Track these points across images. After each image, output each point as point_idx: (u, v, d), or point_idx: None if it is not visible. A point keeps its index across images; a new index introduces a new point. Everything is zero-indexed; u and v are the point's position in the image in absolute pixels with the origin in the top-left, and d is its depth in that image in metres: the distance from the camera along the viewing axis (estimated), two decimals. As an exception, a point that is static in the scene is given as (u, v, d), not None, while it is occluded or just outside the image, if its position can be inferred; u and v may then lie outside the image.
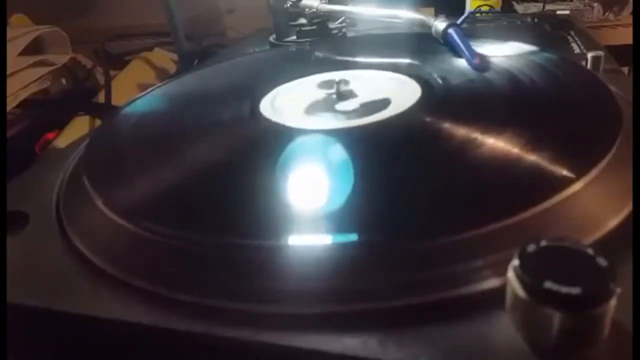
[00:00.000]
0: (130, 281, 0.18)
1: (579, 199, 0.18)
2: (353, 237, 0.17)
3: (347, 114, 0.28)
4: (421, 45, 0.38)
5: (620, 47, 0.55)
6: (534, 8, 0.70)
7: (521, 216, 0.17)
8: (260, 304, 0.16)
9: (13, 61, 0.53)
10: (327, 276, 0.16)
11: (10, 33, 0.55)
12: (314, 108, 0.29)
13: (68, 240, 0.21)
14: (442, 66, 0.32)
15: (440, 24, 0.36)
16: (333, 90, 0.30)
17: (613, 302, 0.13)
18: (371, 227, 0.18)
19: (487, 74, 0.30)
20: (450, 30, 0.35)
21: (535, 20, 0.51)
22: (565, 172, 0.19)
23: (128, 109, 0.33)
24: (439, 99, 0.28)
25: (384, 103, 0.28)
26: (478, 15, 0.58)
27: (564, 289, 0.12)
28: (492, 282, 0.15)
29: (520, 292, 0.13)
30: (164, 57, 0.70)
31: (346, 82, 0.31)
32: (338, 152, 0.23)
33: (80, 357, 0.19)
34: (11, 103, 0.50)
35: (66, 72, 0.62)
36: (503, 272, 0.14)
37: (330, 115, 0.28)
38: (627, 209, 0.18)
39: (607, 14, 0.70)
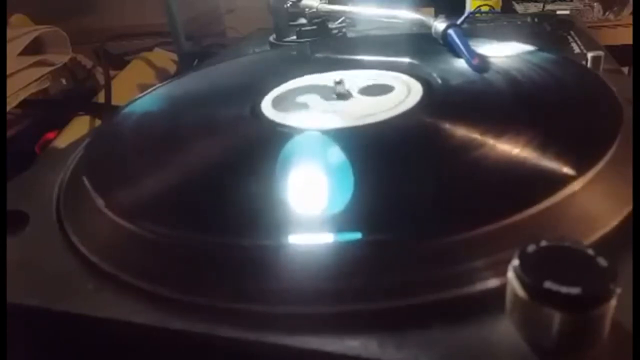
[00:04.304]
0: (130, 281, 0.18)
1: (579, 199, 0.18)
2: (353, 237, 0.17)
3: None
4: (421, 45, 0.38)
5: (620, 47, 0.55)
6: (534, 8, 0.70)
7: (521, 216, 0.17)
8: (261, 304, 0.16)
9: (13, 61, 0.53)
10: (327, 276, 0.16)
11: (10, 33, 0.55)
12: (303, 106, 0.29)
13: (68, 240, 0.21)
14: (442, 67, 0.32)
15: (440, 24, 0.36)
16: (333, 89, 0.30)
17: (613, 302, 0.13)
18: (372, 227, 0.18)
19: (487, 74, 0.30)
20: (450, 31, 0.35)
21: (535, 20, 0.51)
22: (565, 172, 0.19)
23: (128, 109, 0.33)
24: (440, 100, 0.28)
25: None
26: (478, 15, 0.58)
27: (564, 289, 0.12)
28: (492, 282, 0.15)
29: (520, 292, 0.13)
30: (164, 57, 0.70)
31: (345, 82, 0.31)
32: (339, 152, 0.23)
33: (80, 357, 0.19)
34: (11, 103, 0.50)
35: (66, 72, 0.62)
36: (503, 272, 0.14)
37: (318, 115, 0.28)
38: (627, 208, 0.18)
39: (607, 14, 0.70)
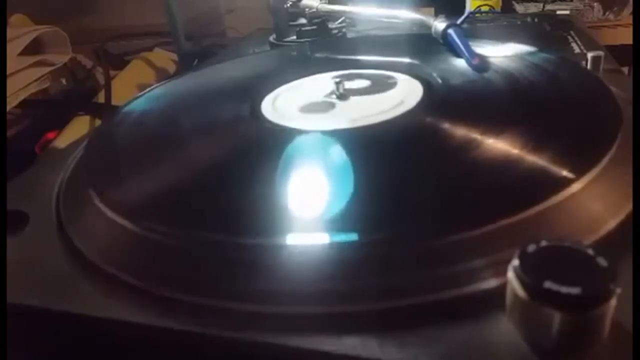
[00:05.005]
0: (130, 281, 0.18)
1: (579, 199, 0.18)
2: (353, 237, 0.17)
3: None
4: (421, 45, 0.38)
5: (620, 47, 0.55)
6: (534, 8, 0.70)
7: (521, 216, 0.17)
8: (261, 304, 0.16)
9: (13, 61, 0.53)
10: (327, 276, 0.16)
11: (10, 33, 0.55)
12: (303, 107, 0.29)
13: (68, 240, 0.21)
14: (442, 66, 0.32)
15: (440, 24, 0.36)
16: (333, 89, 0.30)
17: (613, 302, 0.13)
18: (371, 227, 0.18)
19: (486, 74, 0.30)
20: (450, 31, 0.35)
21: (535, 20, 0.51)
22: (565, 172, 0.19)
23: (128, 109, 0.33)
24: (440, 100, 0.28)
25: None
26: (478, 15, 0.58)
27: (564, 289, 0.12)
28: (492, 282, 0.15)
29: (520, 292, 0.13)
30: (164, 57, 0.70)
31: (346, 82, 0.31)
32: (338, 153, 0.23)
33: (80, 357, 0.19)
34: (11, 103, 0.50)
35: (66, 72, 0.62)
36: (503, 272, 0.14)
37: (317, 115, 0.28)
38: (627, 209, 0.18)
39: (607, 14, 0.70)
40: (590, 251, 0.13)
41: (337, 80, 0.30)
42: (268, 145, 0.25)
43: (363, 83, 0.32)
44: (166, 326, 0.16)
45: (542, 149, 0.20)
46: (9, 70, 0.51)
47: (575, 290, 0.12)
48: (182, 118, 0.31)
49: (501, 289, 0.14)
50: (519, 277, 0.13)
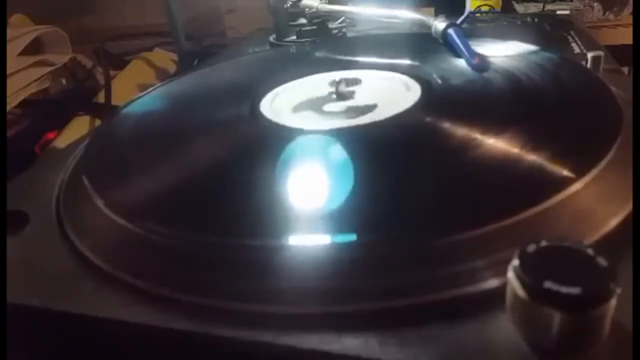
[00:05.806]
0: (130, 281, 0.18)
1: (579, 199, 0.18)
2: (353, 237, 0.17)
3: (334, 114, 0.28)
4: (421, 45, 0.38)
5: (620, 47, 0.55)
6: (534, 8, 0.70)
7: (521, 216, 0.17)
8: (260, 304, 0.16)
9: (13, 61, 0.53)
10: (327, 276, 0.16)
11: (10, 33, 0.55)
12: (302, 107, 0.29)
13: (68, 240, 0.21)
14: (442, 66, 0.32)
15: (439, 24, 0.36)
16: (332, 90, 0.30)
17: (613, 302, 0.13)
18: (371, 227, 0.18)
19: (486, 74, 0.30)
20: (450, 30, 0.35)
21: (535, 20, 0.51)
22: (565, 172, 0.19)
23: (128, 109, 0.33)
24: (439, 99, 0.28)
25: (370, 107, 0.28)
26: (478, 15, 0.58)
27: (564, 289, 0.12)
28: (492, 282, 0.15)
29: (520, 292, 0.13)
30: (164, 57, 0.70)
31: (346, 82, 0.31)
32: (337, 152, 0.23)
33: (80, 357, 0.19)
34: (11, 103, 0.51)
35: (66, 72, 0.62)
36: (503, 272, 0.14)
37: (316, 115, 0.28)
38: (627, 208, 0.18)
39: (607, 14, 0.70)
40: (590, 251, 0.13)
41: (337, 80, 0.30)
42: (267, 145, 0.25)
43: (363, 83, 0.32)
44: (166, 326, 0.16)
45: (542, 148, 0.20)
46: (9, 70, 0.51)
47: (575, 290, 0.12)
48: (182, 118, 0.31)
49: (501, 289, 0.14)
50: (519, 277, 0.13)
